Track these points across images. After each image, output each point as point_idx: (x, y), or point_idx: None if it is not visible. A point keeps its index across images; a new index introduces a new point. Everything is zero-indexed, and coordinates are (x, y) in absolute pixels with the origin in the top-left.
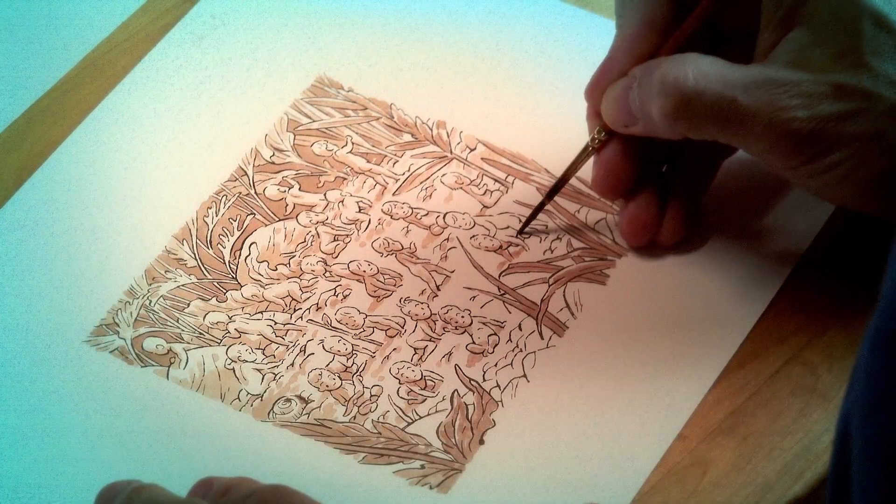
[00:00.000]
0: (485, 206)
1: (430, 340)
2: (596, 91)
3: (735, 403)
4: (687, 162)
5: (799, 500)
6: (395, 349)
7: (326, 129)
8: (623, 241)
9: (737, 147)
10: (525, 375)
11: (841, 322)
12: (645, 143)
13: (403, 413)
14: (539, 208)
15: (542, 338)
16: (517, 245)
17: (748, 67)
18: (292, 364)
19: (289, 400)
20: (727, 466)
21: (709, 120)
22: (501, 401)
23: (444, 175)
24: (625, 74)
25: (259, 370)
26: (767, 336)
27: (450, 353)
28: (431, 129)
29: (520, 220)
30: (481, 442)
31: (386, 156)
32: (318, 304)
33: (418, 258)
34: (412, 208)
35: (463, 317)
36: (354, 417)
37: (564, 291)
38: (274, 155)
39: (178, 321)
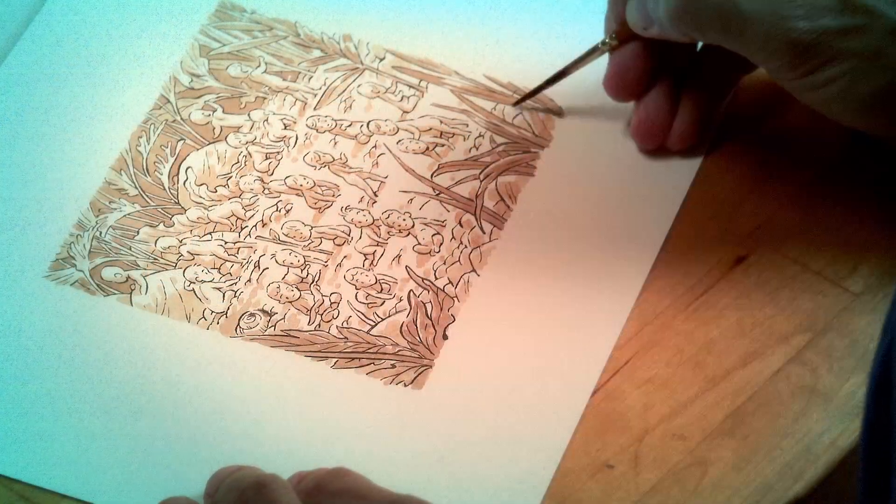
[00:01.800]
0: (404, 112)
1: (377, 245)
2: None
3: (735, 403)
4: (704, 70)
5: (799, 499)
6: (345, 256)
7: (237, 51)
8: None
9: (738, 52)
10: (474, 270)
11: (841, 322)
12: (661, 49)
13: (365, 317)
14: (538, 90)
15: (484, 231)
16: (443, 146)
17: None
18: (249, 280)
19: (253, 314)
20: (727, 466)
21: (711, 22)
22: (456, 296)
23: (359, 86)
24: None
25: (219, 288)
26: (767, 336)
27: (399, 256)
28: (339, 43)
29: (441, 122)
30: (445, 337)
31: (300, 73)
32: (262, 220)
33: (351, 167)
34: (335, 120)
35: (404, 219)
36: (319, 325)
37: (497, 185)
38: (192, 81)
39: (130, 249)
